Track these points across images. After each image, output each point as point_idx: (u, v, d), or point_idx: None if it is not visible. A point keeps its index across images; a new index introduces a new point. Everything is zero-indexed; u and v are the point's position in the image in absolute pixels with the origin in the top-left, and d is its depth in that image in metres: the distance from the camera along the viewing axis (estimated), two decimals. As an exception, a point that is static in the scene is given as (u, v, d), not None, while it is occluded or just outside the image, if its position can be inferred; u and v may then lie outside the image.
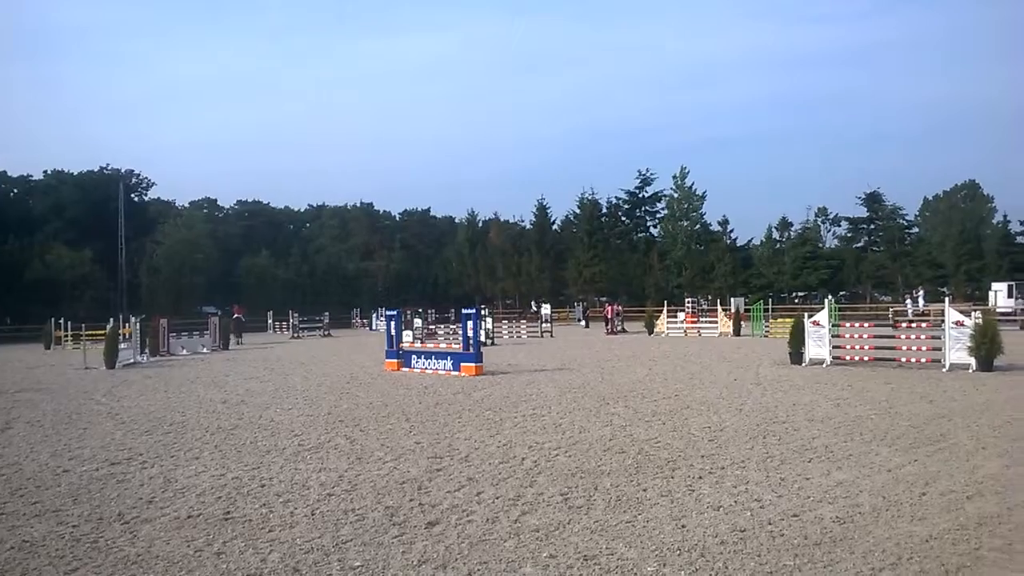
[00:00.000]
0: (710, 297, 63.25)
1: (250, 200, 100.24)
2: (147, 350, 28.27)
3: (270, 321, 56.26)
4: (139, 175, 79.50)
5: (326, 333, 49.59)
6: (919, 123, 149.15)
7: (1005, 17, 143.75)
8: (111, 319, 27.31)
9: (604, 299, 62.22)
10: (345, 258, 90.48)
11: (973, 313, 19.71)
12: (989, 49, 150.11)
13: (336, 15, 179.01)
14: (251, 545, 5.79)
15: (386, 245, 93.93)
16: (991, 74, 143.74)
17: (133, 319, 28.87)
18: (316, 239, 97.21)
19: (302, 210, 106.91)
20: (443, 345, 23.59)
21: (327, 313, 53.12)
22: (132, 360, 26.10)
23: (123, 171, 76.82)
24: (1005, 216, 75.96)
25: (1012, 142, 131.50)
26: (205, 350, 32.78)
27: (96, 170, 75.46)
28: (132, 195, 76.30)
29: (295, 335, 47.28)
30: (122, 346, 25.42)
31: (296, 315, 49.28)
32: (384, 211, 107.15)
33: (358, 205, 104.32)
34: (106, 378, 20.63)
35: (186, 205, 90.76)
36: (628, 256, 75.68)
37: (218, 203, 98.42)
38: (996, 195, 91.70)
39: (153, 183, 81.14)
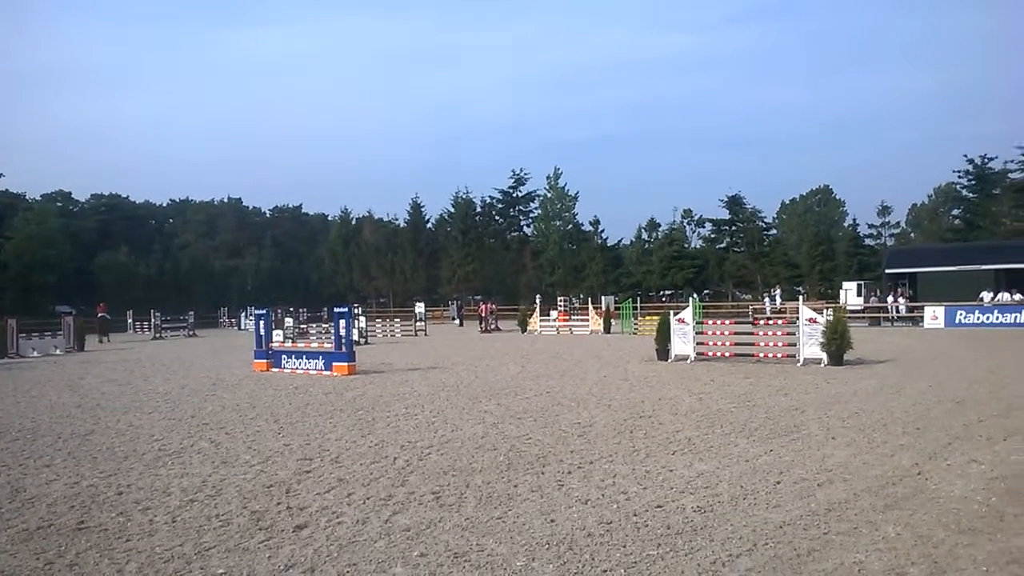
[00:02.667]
0: (582, 295, 64.51)
1: (107, 193, 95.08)
2: (-7, 352, 26.50)
3: (130, 321, 53.49)
4: (-16, 166, 74.24)
5: (191, 333, 47.66)
6: (776, 129, 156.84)
7: (859, 28, 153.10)
8: (-48, 319, 25.50)
9: (478, 297, 62.42)
10: (212, 255, 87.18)
11: (825, 311, 20.88)
12: (839, 61, 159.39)
13: (204, 4, 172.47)
14: (107, 556, 5.52)
15: (256, 242, 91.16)
16: (842, 84, 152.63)
17: (-23, 319, 27.03)
18: (180, 235, 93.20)
19: (164, 205, 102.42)
20: (315, 344, 23.11)
21: (192, 312, 51.06)
22: (-25, 363, 24.43)
23: (-34, 161, 71.66)
24: (855, 219, 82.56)
25: (862, 149, 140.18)
26: (58, 351, 31.00)
27: (-64, 160, 70.20)
28: (-24, 187, 71.17)
29: (157, 335, 45.14)
30: (-36, 348, 23.76)
31: (158, 314, 47.01)
32: (254, 207, 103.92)
33: (226, 201, 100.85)
34: (-55, 383, 19.22)
35: (37, 198, 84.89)
36: (502, 255, 76.17)
37: (72, 196, 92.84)
38: (847, 199, 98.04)
39: (0, 174, 75.85)
